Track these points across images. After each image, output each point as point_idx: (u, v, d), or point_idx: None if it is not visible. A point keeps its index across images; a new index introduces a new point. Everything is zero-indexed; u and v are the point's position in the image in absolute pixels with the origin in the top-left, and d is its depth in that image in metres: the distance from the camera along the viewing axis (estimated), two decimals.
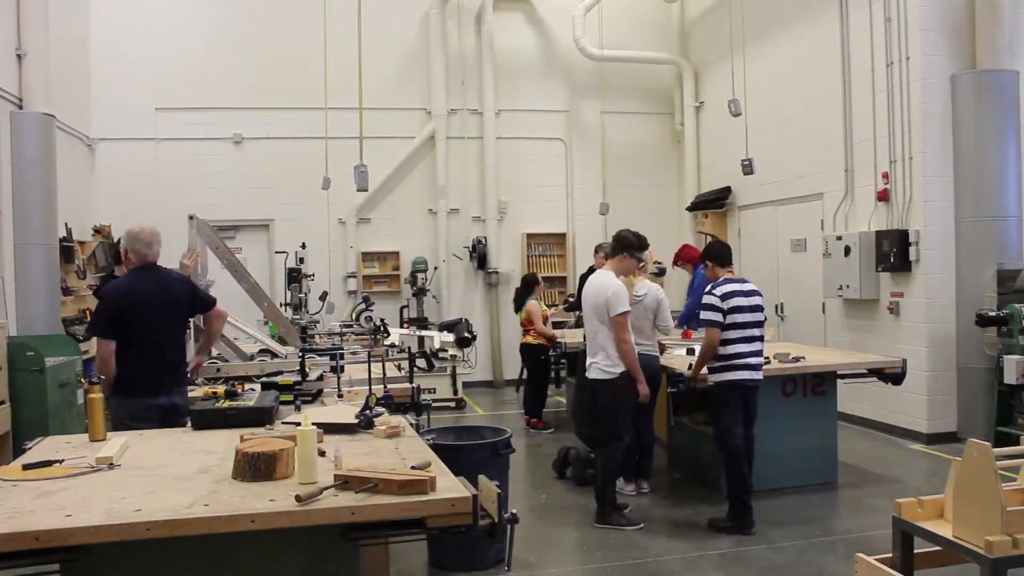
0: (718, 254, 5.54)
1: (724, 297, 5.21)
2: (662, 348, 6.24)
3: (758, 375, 5.30)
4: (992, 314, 6.87)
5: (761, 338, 5.35)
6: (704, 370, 5.35)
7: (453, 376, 9.78)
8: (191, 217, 5.09)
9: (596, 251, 9.59)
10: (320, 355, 4.75)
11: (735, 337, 5.22)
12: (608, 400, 5.31)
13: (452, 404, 9.64)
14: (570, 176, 11.72)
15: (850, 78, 8.37)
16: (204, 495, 2.52)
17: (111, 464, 2.91)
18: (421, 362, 5.17)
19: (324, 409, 3.95)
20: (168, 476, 2.79)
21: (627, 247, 5.40)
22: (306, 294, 9.65)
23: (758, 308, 5.33)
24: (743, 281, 5.43)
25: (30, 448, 3.31)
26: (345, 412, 3.62)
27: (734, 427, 5.24)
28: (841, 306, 8.54)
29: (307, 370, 4.28)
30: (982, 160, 7.27)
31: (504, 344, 11.16)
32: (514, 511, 2.61)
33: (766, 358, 5.99)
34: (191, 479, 2.73)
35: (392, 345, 5.30)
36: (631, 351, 5.28)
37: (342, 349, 4.70)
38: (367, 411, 3.53)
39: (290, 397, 3.98)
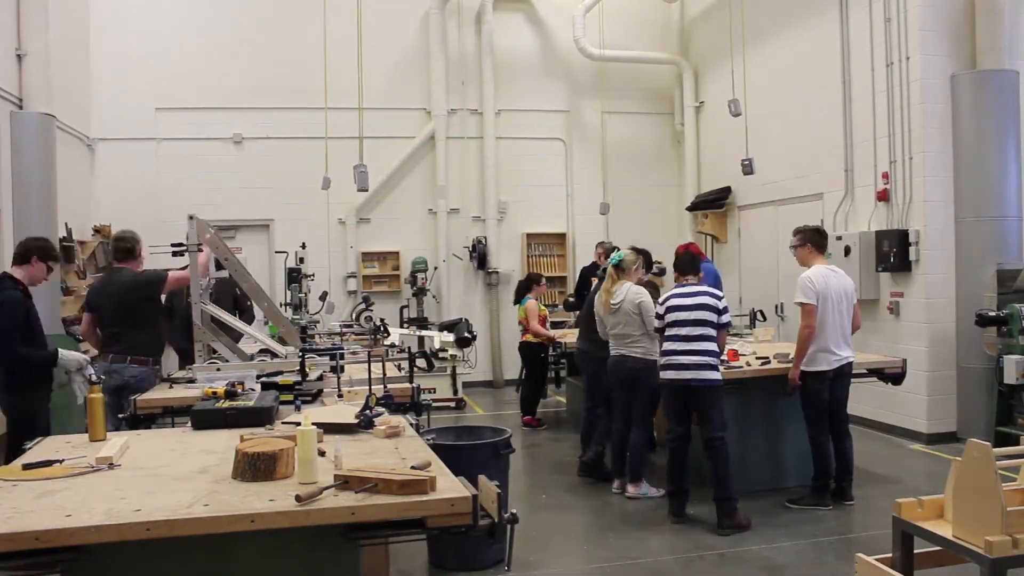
0: (676, 267, 5.84)
1: (667, 309, 5.43)
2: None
3: (687, 374, 5.27)
4: (992, 314, 6.87)
5: (695, 337, 5.26)
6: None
7: (453, 376, 9.78)
8: (191, 217, 5.09)
9: (597, 247, 9.58)
10: (320, 355, 4.75)
11: (669, 335, 5.38)
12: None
13: (452, 404, 9.64)
14: (570, 176, 11.72)
15: (850, 78, 8.38)
16: (204, 495, 2.52)
17: (111, 464, 2.91)
18: (421, 362, 5.17)
19: (324, 409, 3.95)
20: (168, 476, 2.79)
21: (809, 237, 5.86)
22: (306, 294, 9.63)
23: (700, 307, 5.29)
24: (692, 285, 5.48)
25: (30, 448, 3.31)
26: (345, 412, 3.62)
27: (670, 424, 5.47)
28: None
29: (307, 370, 4.27)
30: (982, 160, 7.27)
31: (504, 344, 11.16)
32: (514, 511, 2.61)
33: (765, 358, 6.03)
34: (191, 479, 2.73)
35: (392, 345, 5.30)
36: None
37: (342, 349, 4.70)
38: (367, 411, 3.53)
39: (290, 397, 3.98)
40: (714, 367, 5.29)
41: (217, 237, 5.14)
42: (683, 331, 5.29)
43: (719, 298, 5.36)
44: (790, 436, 5.99)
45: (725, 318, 5.36)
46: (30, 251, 4.81)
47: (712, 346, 5.29)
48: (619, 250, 6.07)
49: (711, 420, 5.28)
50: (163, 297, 5.99)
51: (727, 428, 5.34)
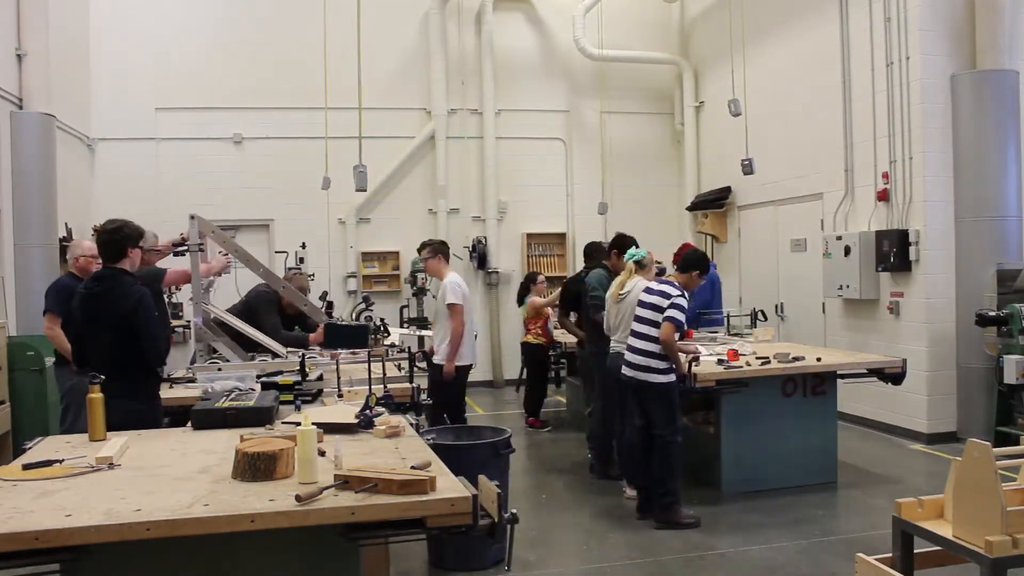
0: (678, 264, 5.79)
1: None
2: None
3: (630, 372, 5.32)
4: (992, 314, 6.87)
5: (641, 335, 5.28)
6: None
7: None
8: (192, 217, 5.10)
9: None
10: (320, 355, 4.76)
11: (631, 330, 5.46)
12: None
13: None
14: (570, 176, 11.72)
15: (850, 78, 8.37)
16: (204, 495, 2.52)
17: (111, 464, 2.91)
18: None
19: (324, 409, 3.95)
20: (168, 476, 2.79)
21: (440, 249, 6.36)
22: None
23: (650, 306, 5.27)
24: (660, 282, 5.44)
25: (30, 448, 3.31)
26: (345, 412, 3.63)
27: (627, 419, 5.60)
28: (841, 306, 8.54)
29: (307, 370, 4.28)
30: (982, 160, 7.27)
31: (504, 344, 11.17)
32: (514, 511, 2.61)
33: (765, 358, 6.03)
34: (191, 479, 2.73)
35: (392, 345, 5.30)
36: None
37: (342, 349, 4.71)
38: (367, 411, 3.54)
39: (290, 397, 3.98)
40: (657, 369, 5.23)
41: (221, 232, 5.18)
42: (636, 328, 5.36)
43: (668, 296, 5.21)
44: (790, 436, 5.99)
45: (668, 312, 5.17)
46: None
47: (652, 346, 5.23)
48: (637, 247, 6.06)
49: (654, 418, 5.31)
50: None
51: (674, 428, 5.26)
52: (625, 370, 5.38)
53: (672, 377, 5.26)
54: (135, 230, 4.20)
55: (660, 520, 5.27)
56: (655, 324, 5.22)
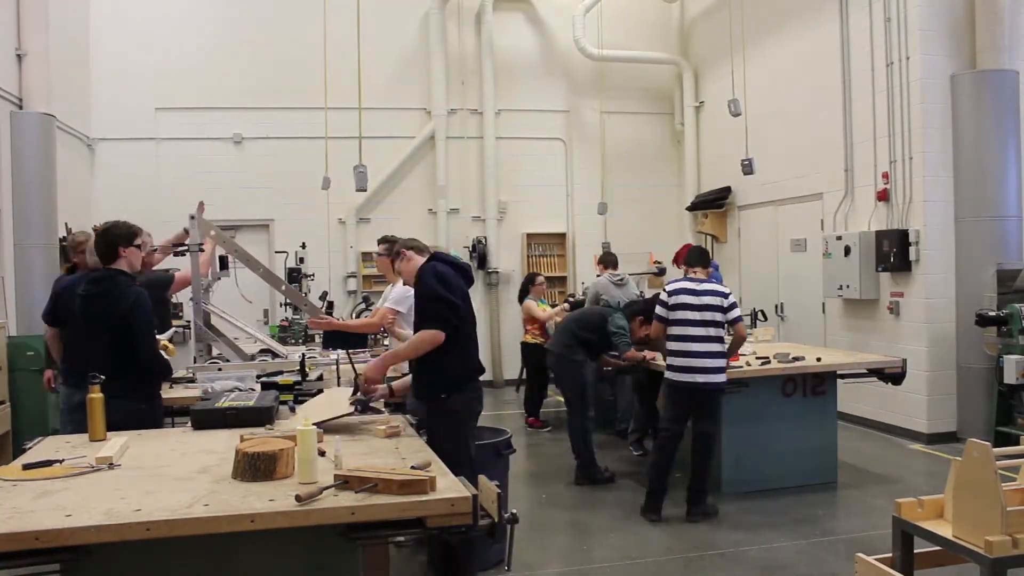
0: (686, 257, 5.84)
1: (671, 293, 5.39)
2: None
3: (701, 378, 5.24)
4: (992, 314, 6.87)
5: (712, 339, 5.26)
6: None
7: None
8: (192, 217, 5.10)
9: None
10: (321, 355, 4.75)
11: (676, 335, 5.31)
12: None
13: None
14: (570, 176, 11.72)
15: (850, 78, 8.37)
16: (204, 495, 2.52)
17: (111, 464, 2.91)
18: None
19: (316, 402, 3.92)
20: (168, 476, 2.79)
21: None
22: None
23: (710, 307, 5.27)
24: (701, 281, 5.44)
25: (30, 448, 3.31)
26: (338, 400, 3.60)
27: (671, 423, 5.41)
28: (841, 306, 8.54)
29: (307, 370, 4.28)
30: (982, 160, 7.27)
31: (504, 344, 11.16)
32: (514, 511, 2.61)
33: (765, 358, 6.03)
34: (191, 479, 2.73)
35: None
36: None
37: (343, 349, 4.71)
38: (360, 397, 3.52)
39: (290, 397, 3.98)
40: (721, 369, 5.31)
41: (221, 232, 5.18)
42: (692, 331, 5.27)
43: (725, 295, 5.37)
44: (790, 436, 5.99)
45: (733, 313, 5.33)
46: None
47: (717, 347, 5.29)
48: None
49: (711, 417, 5.38)
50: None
51: (719, 423, 5.52)
52: (691, 376, 5.24)
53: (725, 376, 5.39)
54: (127, 229, 4.14)
55: (696, 507, 5.34)
56: (716, 324, 5.26)
